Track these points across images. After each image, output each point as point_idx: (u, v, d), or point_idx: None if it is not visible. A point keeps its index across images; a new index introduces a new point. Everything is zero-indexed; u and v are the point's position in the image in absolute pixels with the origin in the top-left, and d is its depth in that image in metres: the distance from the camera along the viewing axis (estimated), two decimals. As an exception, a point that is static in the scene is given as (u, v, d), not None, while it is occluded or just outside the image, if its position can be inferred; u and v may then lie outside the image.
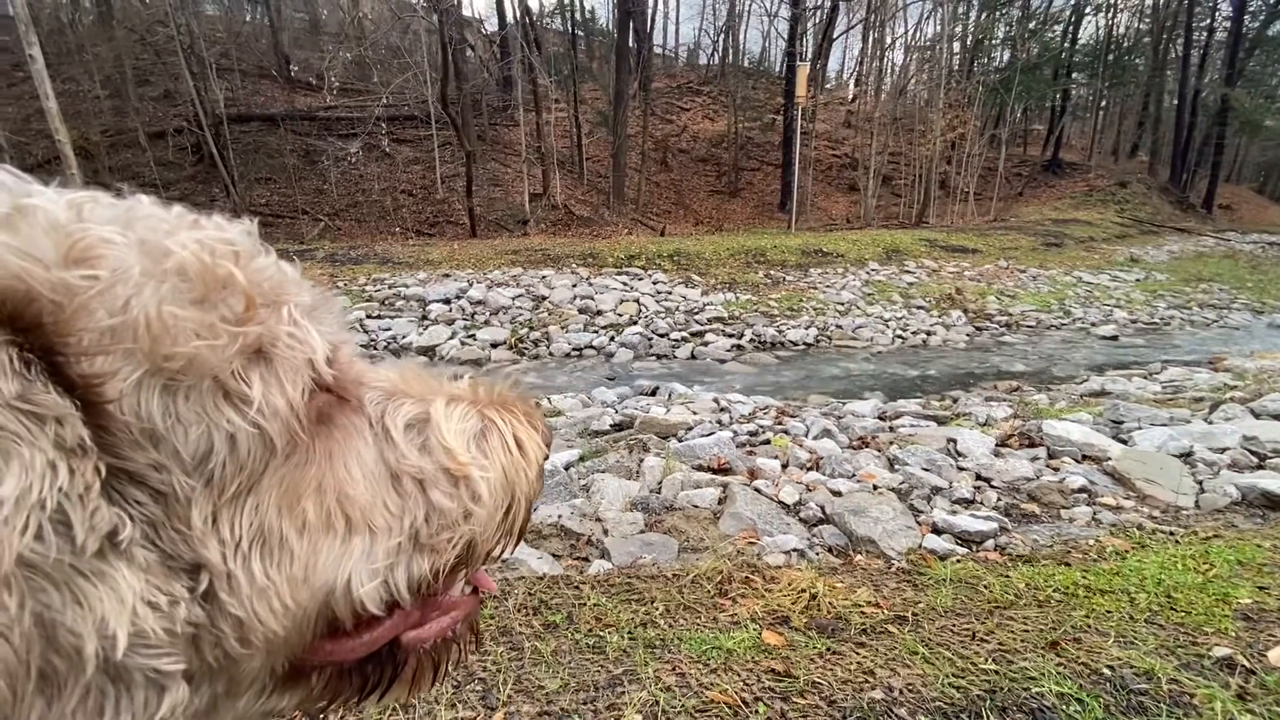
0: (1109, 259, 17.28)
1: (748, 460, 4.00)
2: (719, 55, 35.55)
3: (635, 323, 10.61)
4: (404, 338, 9.70)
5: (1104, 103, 34.66)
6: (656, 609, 2.16)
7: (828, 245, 15.46)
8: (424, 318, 10.41)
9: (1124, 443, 4.08)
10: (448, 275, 12.10)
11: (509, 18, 23.42)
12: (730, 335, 10.39)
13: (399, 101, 22.09)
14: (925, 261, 15.06)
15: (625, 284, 12.11)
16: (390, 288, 11.34)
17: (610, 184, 21.72)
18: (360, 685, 0.42)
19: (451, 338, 9.84)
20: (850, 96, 34.30)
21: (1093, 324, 12.02)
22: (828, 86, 35.25)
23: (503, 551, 0.45)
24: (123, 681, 0.27)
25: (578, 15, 27.17)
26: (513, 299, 11.13)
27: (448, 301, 10.87)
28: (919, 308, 12.26)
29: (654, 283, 12.34)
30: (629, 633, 2.02)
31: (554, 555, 2.78)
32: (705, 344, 10.07)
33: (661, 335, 10.28)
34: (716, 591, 2.32)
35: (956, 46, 28.84)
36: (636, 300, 11.39)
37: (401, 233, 18.71)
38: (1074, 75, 31.06)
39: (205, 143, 18.03)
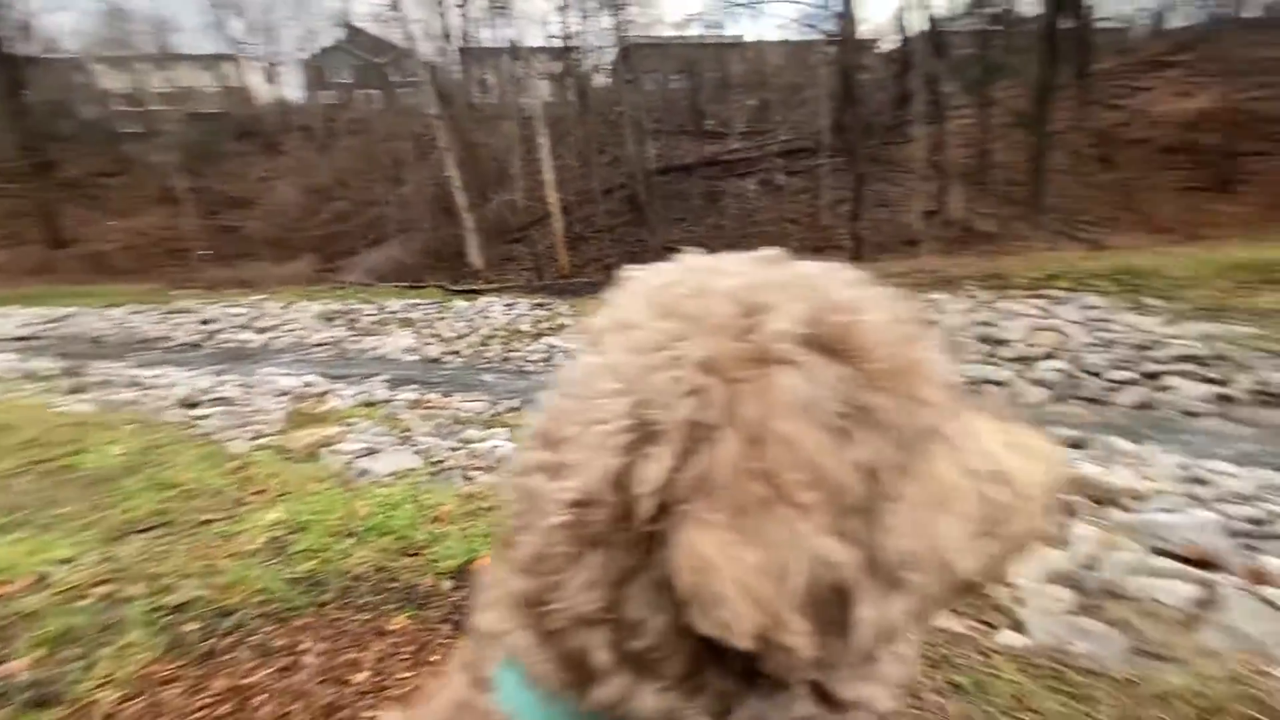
0: None
1: (1246, 556, 2.90)
2: (1205, 9, 26.84)
3: (1053, 357, 8.78)
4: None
5: None
6: (1101, 713, 1.74)
7: None
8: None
9: None
10: (830, 299, 12.19)
11: (910, 31, 22.38)
12: (1209, 381, 7.65)
13: (794, 135, 23.36)
14: None
15: (1042, 309, 10.13)
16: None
17: (1029, 192, 18.68)
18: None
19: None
20: None
21: None
22: None
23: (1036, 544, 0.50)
24: (895, 585, 0.38)
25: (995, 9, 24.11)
26: (898, 324, 10.53)
27: (829, 325, 10.95)
28: None
29: (1083, 308, 9.99)
30: (1061, 730, 1.68)
31: (953, 610, 2.51)
32: (1163, 389, 7.68)
33: (1092, 374, 8.25)
34: (1199, 721, 1.74)
35: None
36: (1056, 329, 9.43)
37: (787, 259, 19.68)
38: None
39: (637, 194, 22.36)
